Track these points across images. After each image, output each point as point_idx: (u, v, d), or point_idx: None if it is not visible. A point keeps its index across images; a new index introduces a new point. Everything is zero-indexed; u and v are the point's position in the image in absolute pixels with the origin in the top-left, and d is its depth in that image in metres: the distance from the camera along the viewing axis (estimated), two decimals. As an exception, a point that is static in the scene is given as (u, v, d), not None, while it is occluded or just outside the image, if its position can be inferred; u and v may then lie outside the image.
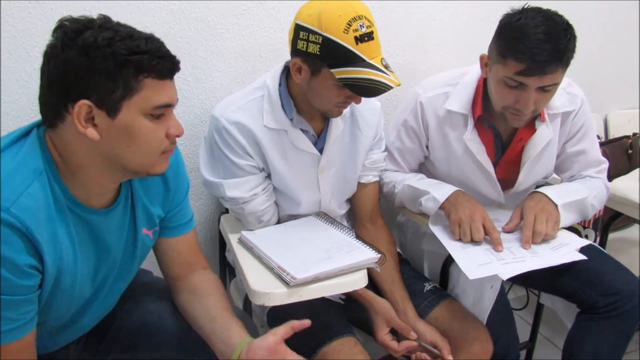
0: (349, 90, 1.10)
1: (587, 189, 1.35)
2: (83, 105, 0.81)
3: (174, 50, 1.38)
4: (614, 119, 2.08)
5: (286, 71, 1.23)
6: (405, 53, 1.69)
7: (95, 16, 0.84)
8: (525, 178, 1.40)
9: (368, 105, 1.32)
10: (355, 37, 1.05)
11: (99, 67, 0.80)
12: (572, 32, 1.17)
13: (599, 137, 1.98)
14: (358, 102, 1.18)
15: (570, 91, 1.37)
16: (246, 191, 1.23)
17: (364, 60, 1.07)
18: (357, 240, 1.19)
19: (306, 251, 1.14)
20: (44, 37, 1.22)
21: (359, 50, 1.06)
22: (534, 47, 1.12)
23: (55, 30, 0.83)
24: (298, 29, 1.10)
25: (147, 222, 1.02)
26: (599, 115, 2.06)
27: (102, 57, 0.79)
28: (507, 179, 1.41)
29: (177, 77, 1.40)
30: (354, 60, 1.06)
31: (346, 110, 1.26)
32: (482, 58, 1.28)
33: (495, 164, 1.39)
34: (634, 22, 2.04)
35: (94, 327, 1.07)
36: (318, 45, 1.07)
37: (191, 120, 1.47)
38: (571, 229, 1.36)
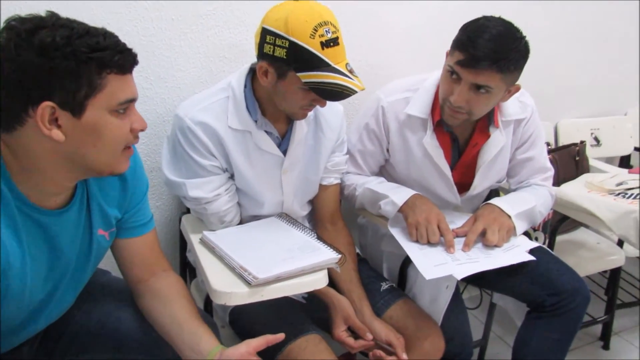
0: (315, 93, 1.12)
1: (535, 198, 1.42)
2: (46, 107, 0.78)
3: (137, 49, 1.37)
4: (564, 127, 2.18)
5: (252, 73, 1.24)
6: (370, 58, 1.73)
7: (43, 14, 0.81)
8: (480, 182, 1.46)
9: (331, 109, 1.35)
10: (321, 42, 1.08)
11: (60, 68, 0.77)
12: (522, 48, 1.22)
13: (549, 144, 2.09)
14: (323, 105, 1.20)
15: (522, 100, 1.43)
16: (209, 191, 1.24)
17: (330, 65, 1.09)
18: (318, 241, 1.22)
19: (268, 251, 1.16)
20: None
21: (325, 55, 1.08)
22: (478, 44, 1.18)
23: (3, 31, 0.78)
24: (265, 32, 1.11)
25: (103, 223, 1.00)
26: (550, 123, 2.16)
27: (62, 57, 0.77)
28: (463, 182, 1.47)
29: (140, 75, 1.41)
30: (319, 64, 1.09)
31: (310, 113, 1.28)
32: (447, 54, 1.32)
33: (452, 168, 1.44)
34: (585, 37, 2.15)
35: (50, 329, 1.05)
36: (285, 50, 1.09)
37: (153, 119, 1.46)
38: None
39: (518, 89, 1.31)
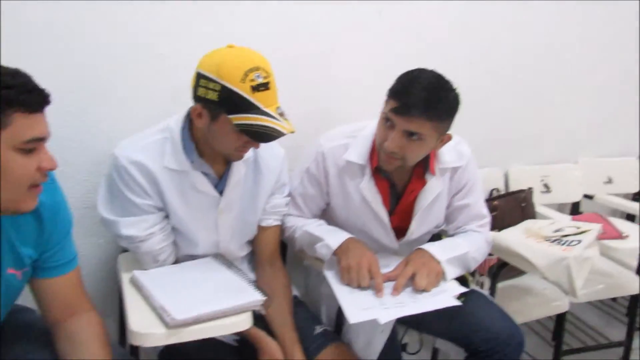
0: (245, 135, 1.15)
1: (468, 244, 1.45)
2: None
3: (90, 87, 1.40)
4: (514, 174, 2.24)
5: (190, 115, 1.27)
6: (318, 104, 1.78)
7: None
8: (417, 227, 1.48)
9: (271, 152, 1.38)
10: (252, 87, 1.12)
11: None
12: (452, 100, 1.28)
13: (498, 190, 2.14)
14: (257, 147, 1.23)
15: (458, 148, 1.48)
16: (143, 230, 1.24)
17: (259, 108, 1.13)
18: (249, 282, 1.22)
19: (193, 292, 1.15)
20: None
21: (255, 98, 1.12)
22: (410, 93, 1.24)
23: None
24: (199, 76, 1.15)
25: (14, 262, 0.98)
26: (500, 169, 2.22)
27: None
28: (401, 227, 1.49)
29: (88, 112, 1.43)
30: (249, 108, 1.12)
31: (249, 155, 1.31)
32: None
33: (390, 213, 1.47)
34: (538, 85, 2.23)
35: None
36: (217, 93, 1.12)
37: (100, 157, 1.47)
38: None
39: (450, 138, 1.36)
